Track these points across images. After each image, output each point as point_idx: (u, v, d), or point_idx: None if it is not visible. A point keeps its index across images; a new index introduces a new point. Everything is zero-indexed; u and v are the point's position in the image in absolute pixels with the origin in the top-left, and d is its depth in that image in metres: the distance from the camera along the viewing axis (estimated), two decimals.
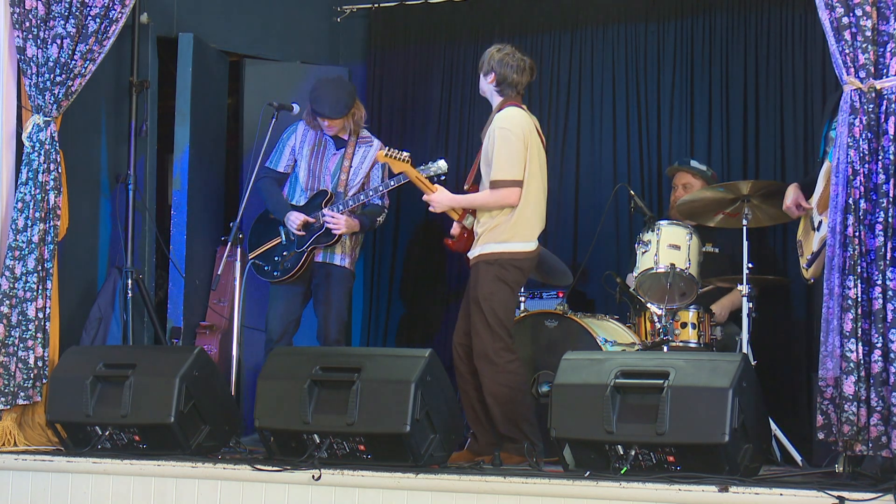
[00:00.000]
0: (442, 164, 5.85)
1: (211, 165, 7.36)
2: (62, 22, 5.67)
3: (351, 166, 6.24)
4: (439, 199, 5.62)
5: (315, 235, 6.15)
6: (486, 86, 5.58)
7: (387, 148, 5.85)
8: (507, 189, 5.36)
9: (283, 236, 6.22)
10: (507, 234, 5.40)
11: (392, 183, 6.05)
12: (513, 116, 5.43)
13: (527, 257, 5.45)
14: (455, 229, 5.67)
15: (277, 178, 6.34)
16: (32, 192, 5.66)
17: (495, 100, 5.56)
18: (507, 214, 5.40)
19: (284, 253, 6.19)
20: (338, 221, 6.10)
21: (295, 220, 6.14)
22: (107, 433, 5.25)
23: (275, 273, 6.20)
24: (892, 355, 4.33)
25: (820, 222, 5.02)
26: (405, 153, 5.80)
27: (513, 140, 5.37)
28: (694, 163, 6.58)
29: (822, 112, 6.17)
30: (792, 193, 5.27)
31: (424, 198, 5.68)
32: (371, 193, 6.17)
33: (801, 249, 5.24)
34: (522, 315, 6.04)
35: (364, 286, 7.63)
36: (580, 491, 4.39)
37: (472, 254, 5.52)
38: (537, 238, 5.51)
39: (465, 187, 5.69)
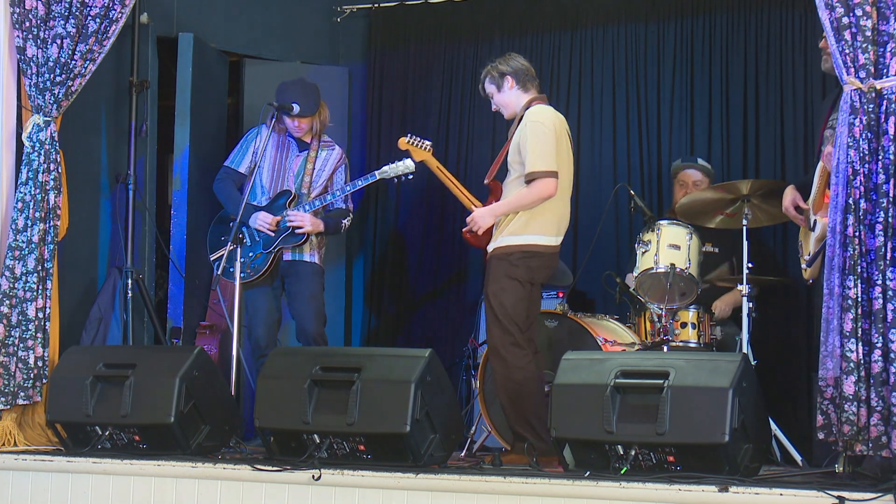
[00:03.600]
0: (409, 164, 5.86)
1: (211, 165, 7.34)
2: (62, 22, 5.67)
3: (314, 168, 6.27)
4: (482, 215, 5.51)
5: (283, 235, 6.16)
6: (508, 95, 5.55)
7: (409, 135, 5.83)
8: (544, 180, 5.34)
9: (248, 237, 6.23)
10: (522, 227, 5.40)
11: (360, 183, 6.12)
12: (544, 111, 5.47)
13: (542, 251, 5.42)
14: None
15: (236, 180, 6.34)
16: (32, 192, 5.66)
17: (521, 100, 5.55)
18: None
19: (250, 254, 6.20)
20: (302, 220, 6.11)
21: (265, 219, 6.15)
22: (107, 433, 5.25)
23: (241, 274, 6.19)
24: (892, 355, 4.33)
25: (815, 222, 5.02)
26: (427, 141, 5.79)
27: (545, 132, 5.38)
28: (701, 161, 6.59)
29: (821, 103, 6.15)
30: (789, 195, 5.28)
31: (468, 219, 5.58)
32: (338, 193, 6.19)
33: (801, 250, 5.25)
34: None
35: (364, 286, 7.64)
36: (580, 491, 4.39)
37: (489, 248, 5.52)
38: (561, 235, 5.50)
39: (486, 181, 5.67)
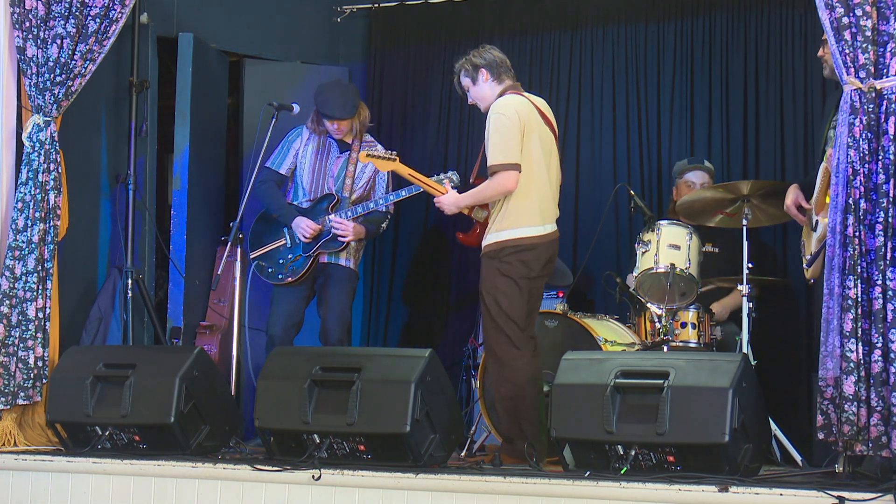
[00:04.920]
0: (453, 176, 5.85)
1: (211, 165, 7.36)
2: (62, 22, 5.67)
3: (355, 170, 6.23)
4: (447, 200, 5.55)
5: (323, 240, 6.13)
6: (483, 87, 5.47)
7: (368, 148, 5.84)
8: (503, 174, 5.24)
9: (288, 239, 6.20)
10: (507, 222, 5.31)
11: (403, 193, 6.03)
12: (507, 102, 5.35)
13: (533, 243, 5.31)
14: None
15: (277, 181, 6.32)
16: (32, 192, 5.66)
17: (495, 92, 5.46)
18: (507, 202, 5.31)
19: (290, 256, 6.17)
20: (346, 228, 6.08)
21: (307, 227, 6.11)
22: (107, 433, 5.25)
23: (279, 275, 6.17)
24: (892, 355, 4.33)
25: (816, 222, 5.02)
26: (392, 152, 5.79)
27: (506, 123, 5.27)
28: (707, 162, 6.58)
29: (822, 112, 6.19)
30: (792, 193, 5.28)
31: (434, 201, 5.63)
32: (381, 202, 6.15)
33: (803, 250, 5.25)
34: None
35: (364, 287, 7.62)
36: (580, 491, 4.39)
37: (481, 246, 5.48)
38: (549, 222, 5.40)
39: (471, 180, 5.66)
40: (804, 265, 5.19)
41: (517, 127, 5.28)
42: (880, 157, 4.44)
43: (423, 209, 7.58)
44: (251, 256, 6.26)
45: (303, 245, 6.15)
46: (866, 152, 4.47)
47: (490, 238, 5.36)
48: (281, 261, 6.19)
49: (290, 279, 6.16)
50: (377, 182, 6.29)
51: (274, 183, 6.30)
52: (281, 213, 6.21)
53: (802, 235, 5.29)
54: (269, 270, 6.20)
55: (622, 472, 4.47)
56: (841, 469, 4.54)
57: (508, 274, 5.29)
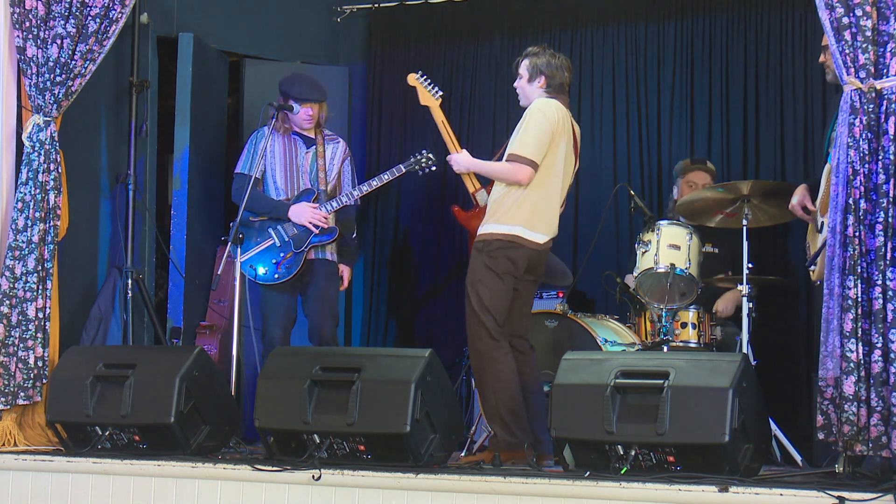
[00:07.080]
0: (431, 157, 5.98)
1: (211, 165, 7.36)
2: (62, 22, 5.67)
3: (325, 163, 6.25)
4: (459, 159, 5.62)
5: (315, 234, 6.11)
6: (533, 90, 5.44)
7: (421, 73, 5.92)
8: (520, 165, 5.25)
9: (276, 237, 6.18)
10: (506, 217, 5.30)
11: (385, 177, 6.13)
12: (552, 104, 5.35)
13: (523, 244, 5.30)
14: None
15: (252, 185, 6.28)
16: (32, 192, 5.66)
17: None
18: (510, 195, 5.31)
19: (282, 254, 6.15)
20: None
21: (311, 212, 6.09)
22: (107, 433, 5.25)
23: (275, 276, 6.14)
24: (892, 355, 4.33)
25: (822, 224, 5.02)
26: (440, 91, 5.88)
27: (544, 123, 5.28)
28: (710, 163, 6.57)
29: (823, 114, 6.20)
30: (799, 193, 5.28)
31: (448, 157, 5.69)
32: (364, 188, 6.19)
33: (808, 251, 5.25)
34: None
35: (364, 286, 7.63)
36: (580, 491, 4.39)
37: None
38: (545, 234, 5.36)
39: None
40: (808, 266, 5.18)
41: (551, 130, 5.30)
42: (880, 157, 4.44)
43: (423, 209, 7.58)
44: (240, 260, 6.18)
45: (293, 242, 6.15)
46: (866, 152, 4.46)
47: (485, 228, 5.36)
48: (274, 260, 6.15)
49: (286, 278, 6.14)
50: (343, 171, 6.33)
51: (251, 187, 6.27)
52: (272, 211, 6.17)
53: (808, 237, 5.29)
54: (262, 272, 6.16)
55: (622, 472, 4.47)
56: (841, 469, 4.53)
57: (493, 268, 5.29)
